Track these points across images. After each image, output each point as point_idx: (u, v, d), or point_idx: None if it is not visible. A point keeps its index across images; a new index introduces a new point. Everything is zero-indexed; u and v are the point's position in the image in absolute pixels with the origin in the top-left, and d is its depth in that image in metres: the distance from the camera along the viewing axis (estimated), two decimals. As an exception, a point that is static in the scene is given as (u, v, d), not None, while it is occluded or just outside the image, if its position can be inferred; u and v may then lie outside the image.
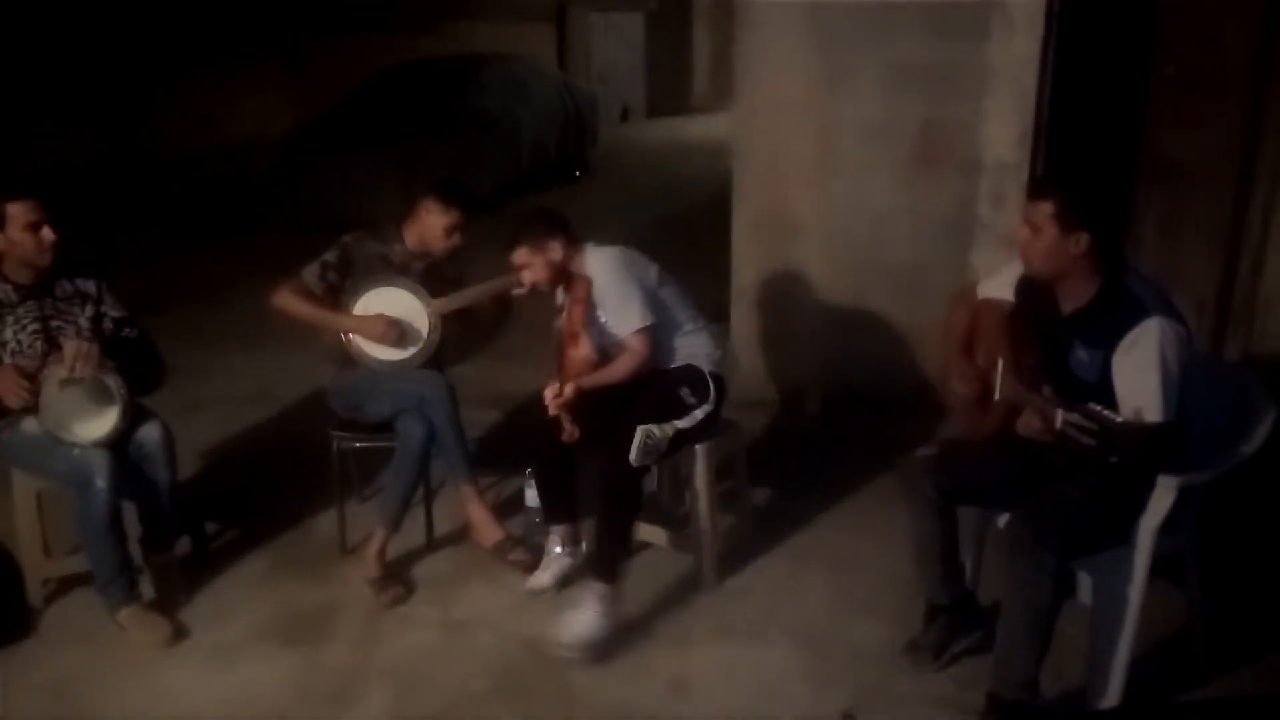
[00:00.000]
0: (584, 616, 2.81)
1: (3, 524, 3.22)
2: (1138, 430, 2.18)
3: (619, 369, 2.99)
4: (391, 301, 3.23)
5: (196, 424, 4.29)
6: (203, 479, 3.94)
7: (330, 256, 3.29)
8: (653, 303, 3.00)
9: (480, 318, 3.38)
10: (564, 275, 3.05)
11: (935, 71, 4.05)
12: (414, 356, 3.24)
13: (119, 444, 2.96)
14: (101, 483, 2.83)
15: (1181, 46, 4.19)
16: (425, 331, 3.25)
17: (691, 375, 3.05)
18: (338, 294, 3.26)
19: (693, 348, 3.10)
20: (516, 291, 3.18)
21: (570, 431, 2.92)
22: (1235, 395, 2.58)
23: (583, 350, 2.97)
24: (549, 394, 2.91)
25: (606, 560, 2.89)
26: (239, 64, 10.46)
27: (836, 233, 4.35)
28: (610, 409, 2.96)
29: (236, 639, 2.97)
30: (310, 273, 3.27)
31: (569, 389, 2.89)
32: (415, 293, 3.24)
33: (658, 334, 3.01)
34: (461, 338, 3.45)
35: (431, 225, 3.28)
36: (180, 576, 3.17)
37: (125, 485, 2.97)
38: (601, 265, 3.01)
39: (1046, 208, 2.33)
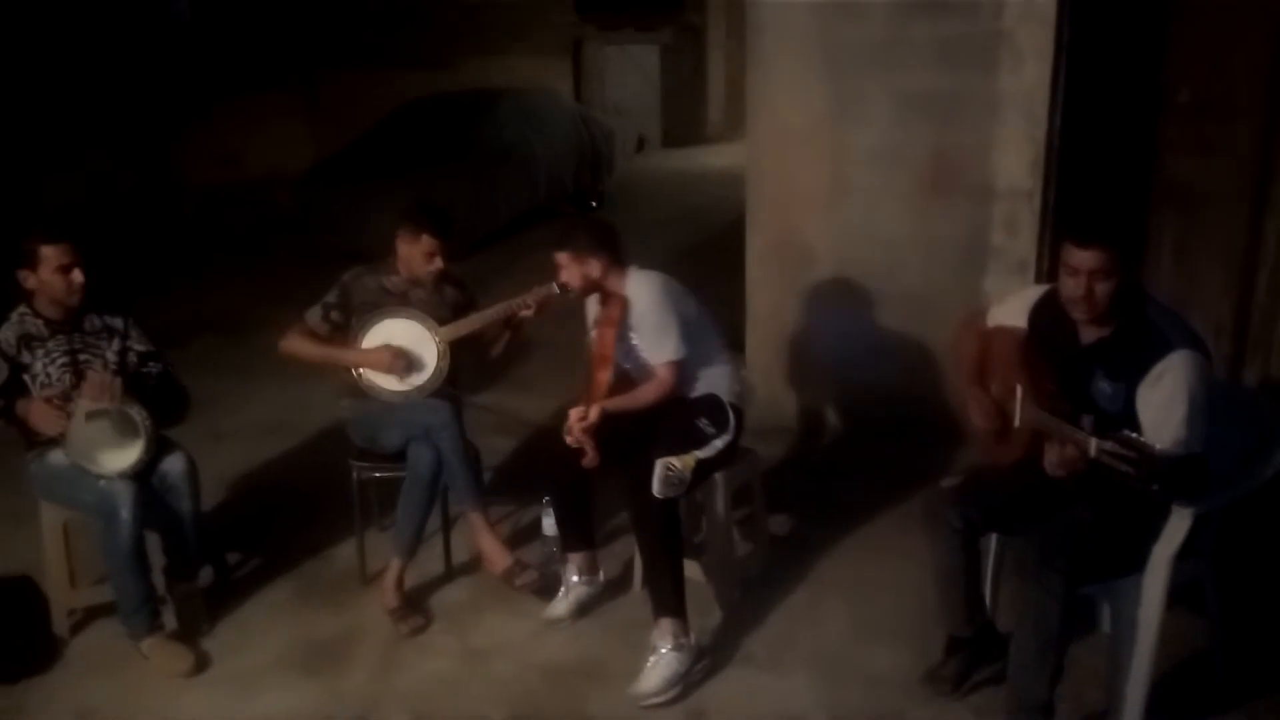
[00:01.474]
0: (662, 659, 2.79)
1: (29, 555, 3.28)
2: (1171, 460, 2.18)
3: (644, 396, 3.00)
4: (398, 332, 3.27)
5: (219, 454, 4.34)
6: (225, 509, 3.99)
7: (331, 297, 3.33)
8: (688, 335, 3.02)
9: (491, 343, 3.38)
10: (599, 290, 3.07)
11: (945, 100, 4.08)
12: (424, 385, 3.26)
13: (144, 475, 3.01)
14: (126, 513, 2.88)
15: (1193, 72, 4.21)
16: (434, 360, 3.27)
17: (711, 405, 3.06)
18: (343, 332, 3.30)
19: (715, 378, 3.11)
20: (524, 314, 3.21)
21: (592, 457, 2.93)
22: (1251, 420, 2.57)
23: (610, 373, 2.99)
24: (574, 416, 2.92)
25: (663, 595, 2.87)
26: (259, 99, 10.63)
27: (849, 260, 4.37)
28: (629, 436, 2.97)
29: (258, 668, 3.00)
30: (313, 315, 3.32)
31: (594, 412, 2.90)
32: (422, 321, 3.27)
33: (686, 366, 3.03)
34: (477, 364, 3.47)
35: (408, 255, 3.30)
36: (203, 606, 3.21)
37: (150, 516, 3.01)
38: (644, 291, 3.02)
39: (1114, 252, 2.31)
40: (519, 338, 3.39)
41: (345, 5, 11.58)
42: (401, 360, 3.24)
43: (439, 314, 3.31)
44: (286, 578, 3.47)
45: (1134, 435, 2.07)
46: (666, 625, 2.83)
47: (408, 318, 3.28)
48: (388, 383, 3.26)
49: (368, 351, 3.25)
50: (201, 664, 2.98)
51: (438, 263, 3.30)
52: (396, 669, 2.99)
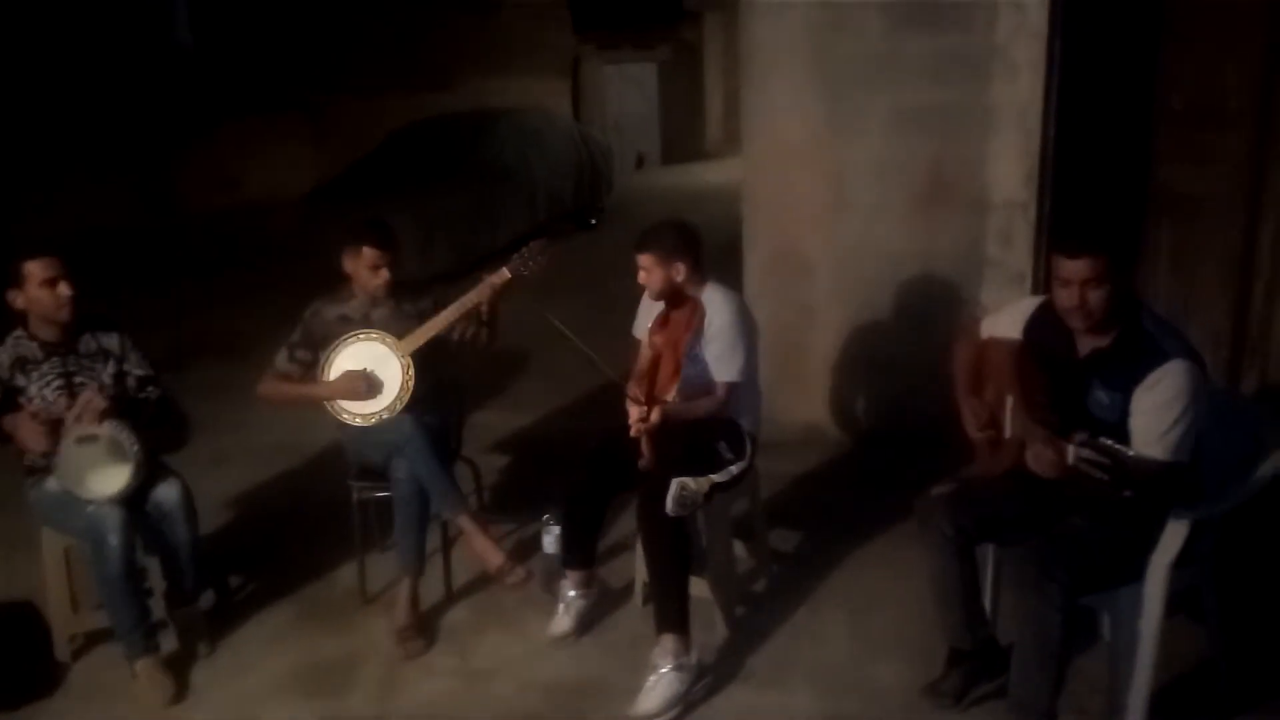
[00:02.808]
0: (663, 679, 2.77)
1: (31, 581, 3.28)
2: (1151, 467, 2.19)
3: (700, 408, 3.00)
4: (359, 355, 3.27)
5: (221, 477, 4.36)
6: (227, 531, 3.99)
7: (294, 337, 3.36)
8: (749, 361, 3.04)
9: (470, 344, 3.36)
10: (676, 294, 3.06)
11: (940, 114, 4.10)
12: (393, 403, 3.23)
13: (138, 502, 3.01)
14: (114, 539, 2.87)
15: (1186, 80, 4.24)
16: (399, 374, 3.25)
17: (731, 431, 3.07)
18: (313, 369, 3.31)
19: (746, 406, 3.12)
20: (483, 308, 3.21)
21: (650, 459, 2.90)
22: (1246, 428, 2.57)
23: (679, 378, 2.98)
24: (635, 414, 2.89)
25: (667, 612, 2.86)
26: (260, 124, 10.70)
27: (847, 273, 4.39)
28: (678, 444, 2.95)
29: (260, 691, 3.00)
30: (281, 359, 3.35)
31: (656, 414, 2.87)
32: (380, 339, 3.27)
33: (738, 391, 3.04)
34: (458, 369, 3.45)
35: (356, 272, 3.32)
36: (204, 629, 3.21)
37: (147, 542, 3.02)
38: (724, 306, 3.02)
39: (1104, 260, 2.33)
40: (496, 329, 3.34)
41: (345, 29, 11.66)
42: (364, 381, 3.23)
43: (401, 329, 3.30)
44: (288, 600, 3.47)
45: (1110, 443, 2.09)
46: (669, 642, 2.82)
47: (365, 339, 3.27)
48: (359, 408, 3.25)
49: (331, 383, 3.26)
50: (179, 696, 2.96)
51: (384, 274, 3.30)
52: (398, 690, 2.99)
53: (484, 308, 3.24)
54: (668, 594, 2.88)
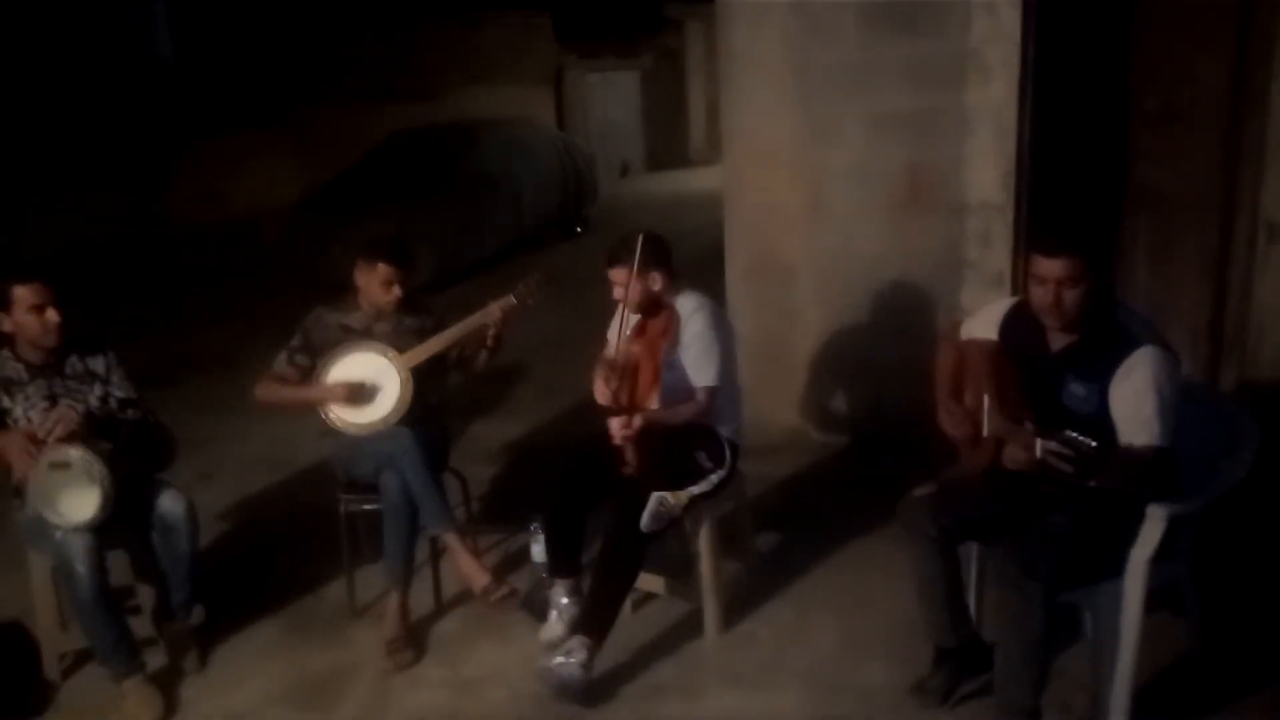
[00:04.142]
0: (571, 663, 2.81)
1: (21, 600, 3.28)
2: (1140, 455, 2.22)
3: (681, 414, 3.03)
4: (357, 366, 3.29)
5: (210, 492, 4.35)
6: (217, 546, 3.99)
7: (295, 341, 3.38)
8: (726, 366, 3.07)
9: (471, 360, 3.42)
10: (653, 304, 3.09)
11: (917, 118, 4.15)
12: (389, 415, 3.26)
13: (143, 516, 3.01)
14: (80, 567, 2.84)
15: (1160, 79, 4.29)
16: (397, 388, 3.27)
17: (710, 438, 3.09)
18: (311, 374, 3.33)
19: (724, 413, 3.14)
20: (489, 330, 3.26)
21: (634, 465, 2.92)
22: (1222, 423, 2.61)
23: (659, 385, 3.00)
24: (617, 424, 2.91)
25: (601, 620, 2.89)
26: (244, 137, 10.70)
27: (828, 277, 4.43)
28: (659, 453, 2.97)
29: (250, 705, 3.00)
30: (280, 362, 3.37)
31: (638, 420, 2.90)
32: (381, 352, 3.29)
33: (718, 395, 3.07)
34: (460, 382, 3.48)
35: (367, 285, 3.34)
36: (194, 644, 3.20)
37: (143, 558, 3.03)
38: (699, 313, 3.06)
39: (1080, 260, 2.37)
40: (497, 352, 3.40)
41: (328, 41, 11.68)
42: (360, 392, 3.25)
43: (402, 344, 3.33)
44: (277, 613, 3.47)
45: (1074, 435, 2.12)
46: (585, 643, 2.83)
47: (366, 350, 3.30)
48: (354, 417, 3.27)
49: (326, 387, 3.28)
50: (170, 711, 2.96)
51: (396, 291, 3.33)
52: (388, 702, 2.99)
53: (492, 332, 3.29)
54: (608, 604, 2.90)
